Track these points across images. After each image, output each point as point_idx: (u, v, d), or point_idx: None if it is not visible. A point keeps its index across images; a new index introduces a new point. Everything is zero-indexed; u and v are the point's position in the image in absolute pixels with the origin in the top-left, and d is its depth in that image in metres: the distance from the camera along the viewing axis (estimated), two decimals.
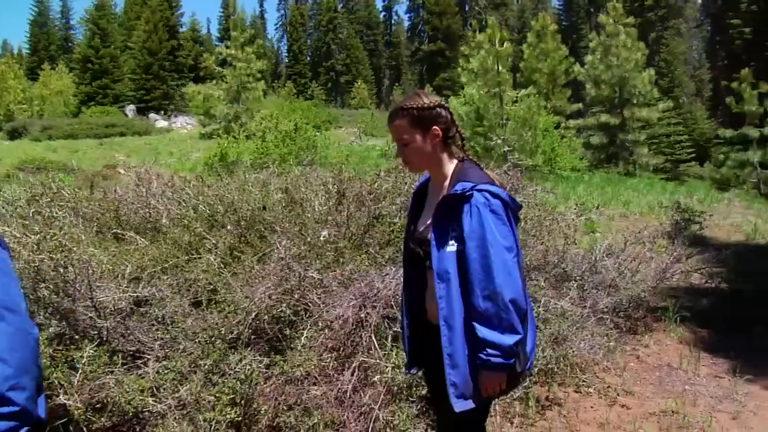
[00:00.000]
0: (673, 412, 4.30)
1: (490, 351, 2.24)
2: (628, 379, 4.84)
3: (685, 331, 6.00)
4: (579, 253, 6.22)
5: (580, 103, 31.39)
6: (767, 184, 21.37)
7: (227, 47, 34.61)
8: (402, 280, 2.77)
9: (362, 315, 4.14)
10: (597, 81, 26.84)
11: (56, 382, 3.53)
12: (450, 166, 2.53)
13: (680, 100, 41.01)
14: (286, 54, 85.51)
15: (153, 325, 4.07)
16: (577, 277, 5.70)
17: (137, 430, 3.62)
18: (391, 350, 3.95)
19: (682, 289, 7.25)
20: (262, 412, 3.65)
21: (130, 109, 49.24)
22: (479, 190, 2.32)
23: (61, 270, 3.77)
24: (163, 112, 50.78)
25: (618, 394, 4.53)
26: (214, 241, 4.92)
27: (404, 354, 2.88)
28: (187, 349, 3.92)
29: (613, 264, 6.16)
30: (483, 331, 2.24)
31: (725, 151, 24.26)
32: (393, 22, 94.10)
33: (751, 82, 22.28)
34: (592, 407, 4.34)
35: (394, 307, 4.12)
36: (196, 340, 3.96)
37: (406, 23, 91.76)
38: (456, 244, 2.33)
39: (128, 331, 3.91)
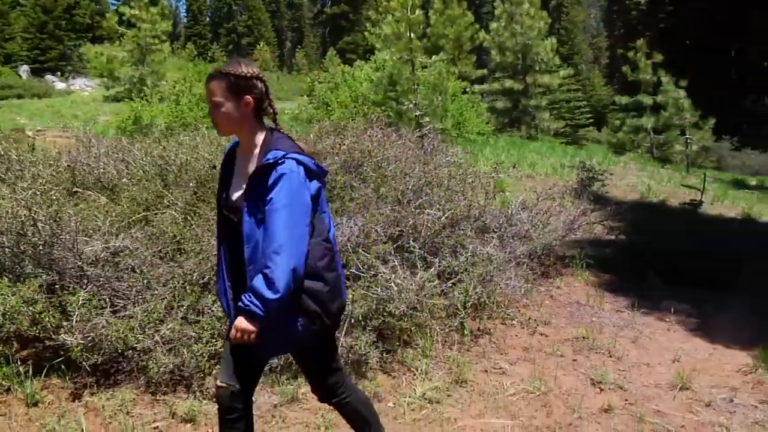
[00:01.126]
0: (583, 337, 5.11)
1: (251, 299, 2.40)
2: (545, 313, 5.62)
3: (590, 275, 6.86)
4: (496, 207, 6.94)
5: (485, 69, 32.42)
6: (659, 148, 22.96)
7: (131, 7, 33.64)
8: (217, 243, 2.84)
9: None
10: (502, 48, 27.87)
11: (49, 325, 3.94)
12: (260, 136, 2.64)
13: (579, 67, 42.80)
14: (185, 14, 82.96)
15: (127, 274, 4.50)
16: (496, 229, 6.43)
17: (127, 364, 4.08)
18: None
19: (587, 240, 8.14)
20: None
21: (24, 69, 46.85)
22: (288, 158, 2.46)
23: (51, 223, 4.16)
24: (59, 73, 48.68)
25: (537, 325, 5.30)
26: (172, 198, 5.34)
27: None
28: (162, 294, 4.38)
29: (527, 217, 6.91)
30: (255, 281, 2.41)
31: (621, 117, 25.82)
32: None
33: (646, 52, 23.71)
34: (516, 335, 5.09)
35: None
36: (169, 286, 4.44)
37: None
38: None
39: (109, 279, 4.34)
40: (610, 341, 5.07)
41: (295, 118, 21.98)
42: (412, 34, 16.00)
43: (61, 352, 3.92)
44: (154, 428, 3.67)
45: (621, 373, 4.55)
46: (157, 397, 3.92)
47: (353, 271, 4.63)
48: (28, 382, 3.84)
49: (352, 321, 4.33)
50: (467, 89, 24.63)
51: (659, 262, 7.21)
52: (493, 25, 28.39)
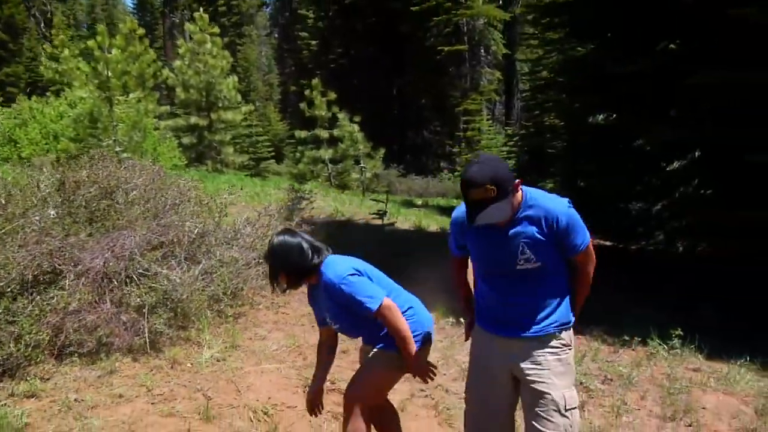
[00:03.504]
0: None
1: None
2: (282, 299, 7.19)
3: None
4: (228, 225, 8.35)
5: (169, 105, 33.13)
6: (338, 176, 25.80)
7: None
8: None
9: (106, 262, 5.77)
10: (186, 85, 28.97)
11: None
12: None
13: (256, 103, 45.12)
14: None
15: None
16: (230, 240, 7.86)
17: None
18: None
19: None
20: (66, 333, 5.11)
21: None
22: None
23: None
24: None
25: (279, 307, 6.87)
26: None
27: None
28: None
29: (252, 231, 8.43)
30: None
31: (301, 149, 28.39)
32: None
33: (321, 90, 26.56)
34: (265, 315, 6.61)
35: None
36: None
37: None
38: None
39: None
40: None
41: None
42: (110, 73, 16.65)
43: None
44: (2, 404, 4.50)
45: None
46: None
47: (140, 272, 5.78)
48: None
49: (146, 309, 5.50)
50: (156, 126, 25.33)
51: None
52: (177, 63, 29.38)
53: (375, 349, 3.41)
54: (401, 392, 4.96)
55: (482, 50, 37.21)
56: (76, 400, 4.56)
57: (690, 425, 4.41)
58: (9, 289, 5.31)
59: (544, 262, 2.86)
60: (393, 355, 3.33)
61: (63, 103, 19.59)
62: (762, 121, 7.50)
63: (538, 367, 2.90)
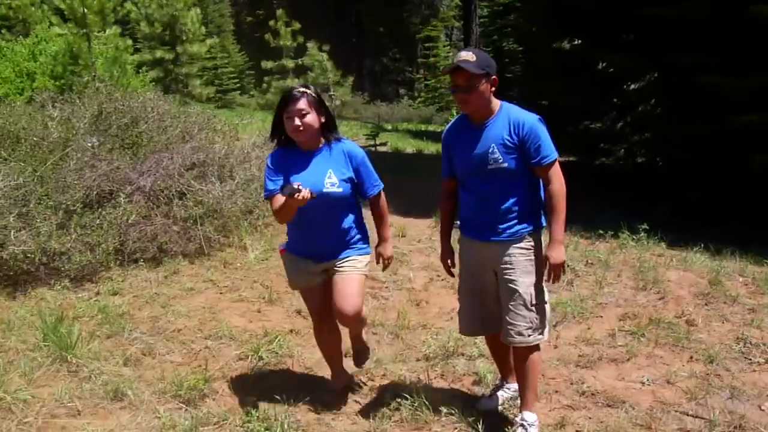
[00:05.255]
0: None
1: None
2: None
3: None
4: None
5: (131, 40, 32.90)
6: None
7: None
8: None
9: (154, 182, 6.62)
10: (150, 19, 28.95)
11: None
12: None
13: (213, 36, 44.80)
14: None
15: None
16: (243, 161, 8.67)
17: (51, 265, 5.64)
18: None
19: None
20: (131, 242, 5.99)
21: None
22: None
23: None
24: None
25: None
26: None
27: None
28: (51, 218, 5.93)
29: (260, 152, 9.24)
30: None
31: (267, 80, 28.82)
32: None
33: (285, 21, 26.89)
34: None
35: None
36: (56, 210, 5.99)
37: None
38: None
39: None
40: None
41: None
42: (86, 9, 16.90)
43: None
44: (94, 300, 5.38)
45: None
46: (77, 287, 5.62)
47: (183, 189, 6.64)
48: None
49: (195, 220, 6.39)
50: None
51: None
52: None
53: (350, 259, 3.51)
54: (423, 278, 6.01)
55: None
56: (156, 293, 5.47)
57: (658, 293, 5.49)
58: (74, 208, 6.12)
59: (510, 166, 3.17)
60: (367, 258, 3.60)
61: (34, 40, 19.69)
62: (706, 46, 8.48)
63: (509, 266, 3.24)
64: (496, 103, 3.26)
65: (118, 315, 4.94)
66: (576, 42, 12.05)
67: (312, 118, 3.31)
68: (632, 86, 11.26)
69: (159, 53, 29.21)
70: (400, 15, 40.66)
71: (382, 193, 3.62)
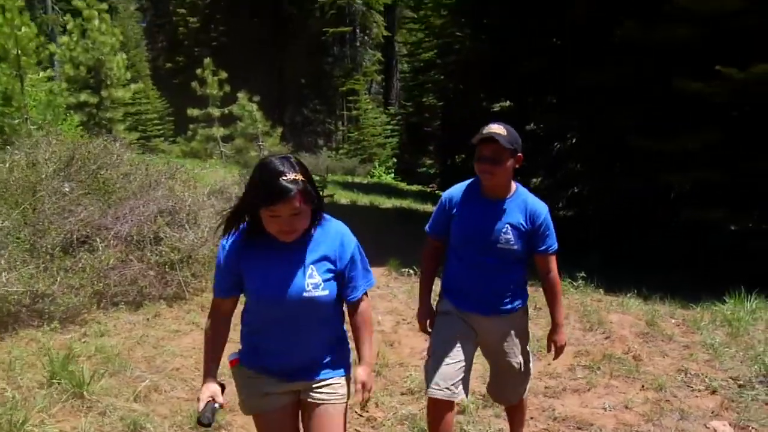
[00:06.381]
0: None
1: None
2: None
3: None
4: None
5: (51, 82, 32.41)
6: (237, 153, 26.61)
7: None
8: None
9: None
10: (75, 62, 28.66)
11: None
12: None
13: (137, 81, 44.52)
14: None
15: None
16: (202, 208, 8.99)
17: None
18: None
19: None
20: (112, 285, 6.23)
21: None
22: None
23: None
24: None
25: None
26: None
27: None
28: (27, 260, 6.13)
29: (215, 201, 9.58)
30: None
31: (193, 127, 28.90)
32: None
33: (212, 69, 27.19)
34: None
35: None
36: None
37: None
38: None
39: None
40: None
41: None
42: (20, 51, 16.89)
43: None
44: (83, 341, 5.60)
45: None
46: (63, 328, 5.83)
47: (157, 234, 6.94)
48: None
49: (171, 265, 6.69)
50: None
51: None
52: (64, 39, 28.94)
53: (330, 382, 2.65)
54: (390, 321, 6.50)
55: (364, 32, 38.76)
56: (144, 334, 5.73)
57: (603, 333, 6.15)
58: (52, 251, 6.34)
59: (518, 249, 3.25)
60: (344, 380, 2.71)
61: None
62: (633, 111, 9.44)
63: (508, 341, 3.43)
64: (512, 182, 3.33)
65: (114, 355, 5.19)
66: (507, 103, 12.99)
67: (305, 216, 2.42)
68: (557, 145, 12.23)
69: (83, 97, 28.88)
70: (321, 67, 41.58)
71: (368, 296, 2.73)
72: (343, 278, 2.60)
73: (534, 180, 12.62)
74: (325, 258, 2.55)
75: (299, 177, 2.34)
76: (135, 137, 31.47)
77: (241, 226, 2.53)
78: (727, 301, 6.92)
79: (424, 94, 26.99)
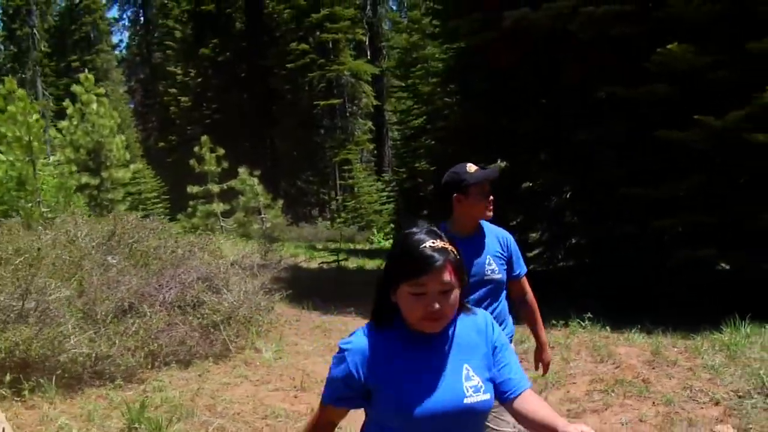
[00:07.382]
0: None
1: None
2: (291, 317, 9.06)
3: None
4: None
5: (52, 166, 33.26)
6: (241, 227, 27.19)
7: None
8: None
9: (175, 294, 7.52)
10: (75, 145, 29.55)
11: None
12: None
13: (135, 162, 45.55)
14: None
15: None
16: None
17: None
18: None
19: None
20: (164, 346, 6.82)
21: None
22: None
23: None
24: None
25: (291, 324, 8.75)
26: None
27: None
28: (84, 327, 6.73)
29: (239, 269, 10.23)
30: None
31: (193, 204, 29.56)
32: None
33: (210, 147, 28.04)
34: (281, 328, 8.47)
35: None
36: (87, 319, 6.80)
37: None
38: None
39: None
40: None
41: None
42: (32, 138, 17.74)
43: None
44: (145, 396, 6.16)
45: None
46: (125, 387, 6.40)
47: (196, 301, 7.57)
48: None
49: (215, 325, 7.30)
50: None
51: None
52: (64, 124, 29.87)
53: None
54: None
55: (353, 102, 40.04)
56: (199, 388, 6.31)
57: (614, 363, 6.77)
58: (107, 317, 6.95)
59: (502, 277, 3.40)
60: None
61: None
62: (622, 162, 10.24)
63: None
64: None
65: (180, 404, 5.76)
66: (503, 164, 13.78)
67: (455, 297, 1.94)
68: (554, 201, 12.99)
69: (84, 179, 29.66)
70: (313, 139, 42.70)
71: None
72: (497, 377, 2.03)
73: (533, 234, 13.31)
74: (478, 354, 2.03)
75: (448, 246, 1.94)
76: (139, 216, 32.18)
77: (364, 329, 2.04)
78: (724, 329, 7.55)
79: (417, 159, 27.74)
